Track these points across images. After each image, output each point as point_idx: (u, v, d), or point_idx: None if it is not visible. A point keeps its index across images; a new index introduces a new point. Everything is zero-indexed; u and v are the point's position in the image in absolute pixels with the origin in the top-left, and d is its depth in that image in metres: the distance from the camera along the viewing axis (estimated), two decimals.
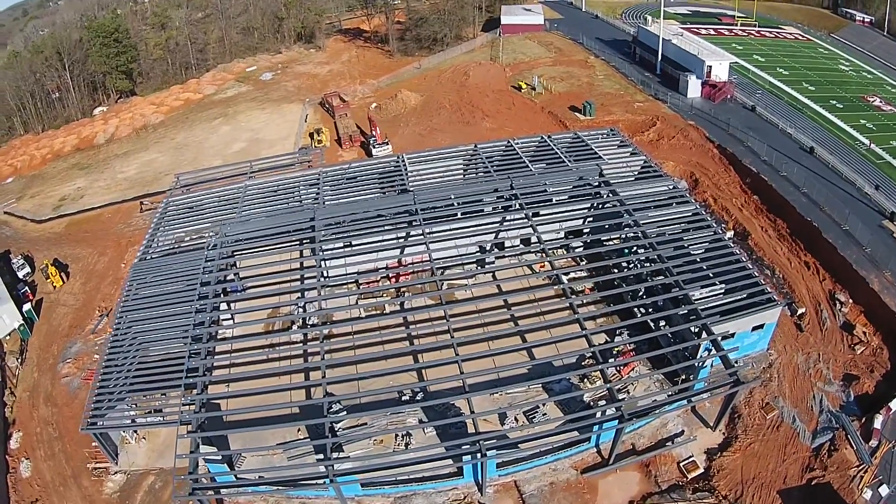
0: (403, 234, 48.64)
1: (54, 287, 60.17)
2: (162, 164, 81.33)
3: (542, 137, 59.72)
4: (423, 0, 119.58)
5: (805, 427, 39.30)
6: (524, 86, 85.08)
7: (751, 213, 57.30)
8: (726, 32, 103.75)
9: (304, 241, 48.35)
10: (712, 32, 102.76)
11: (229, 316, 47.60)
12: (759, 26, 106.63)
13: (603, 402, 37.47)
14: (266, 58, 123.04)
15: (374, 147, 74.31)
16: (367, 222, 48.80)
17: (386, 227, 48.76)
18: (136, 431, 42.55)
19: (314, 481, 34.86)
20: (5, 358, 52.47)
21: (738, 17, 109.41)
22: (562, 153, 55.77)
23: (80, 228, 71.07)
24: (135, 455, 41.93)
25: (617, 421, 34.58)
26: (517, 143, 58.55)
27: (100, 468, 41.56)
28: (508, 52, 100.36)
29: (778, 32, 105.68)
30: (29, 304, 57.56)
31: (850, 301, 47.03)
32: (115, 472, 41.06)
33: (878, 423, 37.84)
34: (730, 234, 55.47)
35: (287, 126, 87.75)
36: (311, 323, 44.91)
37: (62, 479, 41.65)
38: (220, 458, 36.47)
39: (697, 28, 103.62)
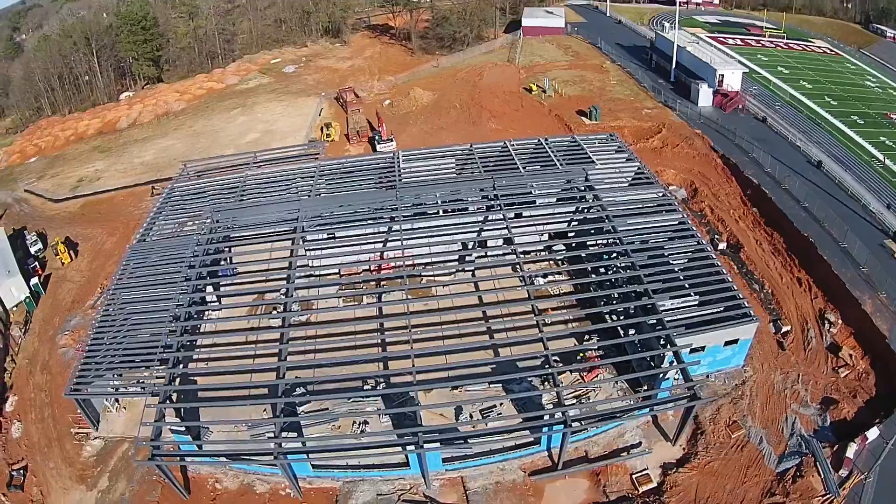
0: (383, 230, 49.29)
1: (63, 264, 62.59)
2: (177, 151, 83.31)
3: (539, 140, 59.62)
4: None
5: (772, 450, 38.13)
6: (535, 88, 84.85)
7: (747, 225, 56.20)
8: (753, 43, 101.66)
9: (289, 232, 49.36)
10: (739, 43, 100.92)
11: (213, 298, 49.20)
12: (787, 38, 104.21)
13: (551, 406, 37.42)
14: (291, 50, 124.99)
15: (378, 143, 75.12)
16: (349, 216, 49.65)
17: (367, 222, 49.48)
18: (117, 401, 44.72)
19: (263, 458, 35.99)
20: (10, 327, 54.89)
21: (766, 28, 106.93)
22: (555, 156, 55.60)
23: (94, 209, 73.58)
24: (114, 423, 44.03)
25: (563, 426, 34.40)
26: (513, 145, 58.60)
27: (81, 433, 43.78)
28: (526, 55, 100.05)
29: (806, 45, 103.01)
30: (37, 278, 60.06)
31: (840, 322, 45.60)
32: (95, 438, 43.25)
33: (850, 452, 36.22)
34: (722, 245, 54.65)
35: (301, 119, 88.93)
36: (286, 309, 45.85)
37: (47, 441, 43.89)
38: (183, 429, 38.06)
39: (725, 38, 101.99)
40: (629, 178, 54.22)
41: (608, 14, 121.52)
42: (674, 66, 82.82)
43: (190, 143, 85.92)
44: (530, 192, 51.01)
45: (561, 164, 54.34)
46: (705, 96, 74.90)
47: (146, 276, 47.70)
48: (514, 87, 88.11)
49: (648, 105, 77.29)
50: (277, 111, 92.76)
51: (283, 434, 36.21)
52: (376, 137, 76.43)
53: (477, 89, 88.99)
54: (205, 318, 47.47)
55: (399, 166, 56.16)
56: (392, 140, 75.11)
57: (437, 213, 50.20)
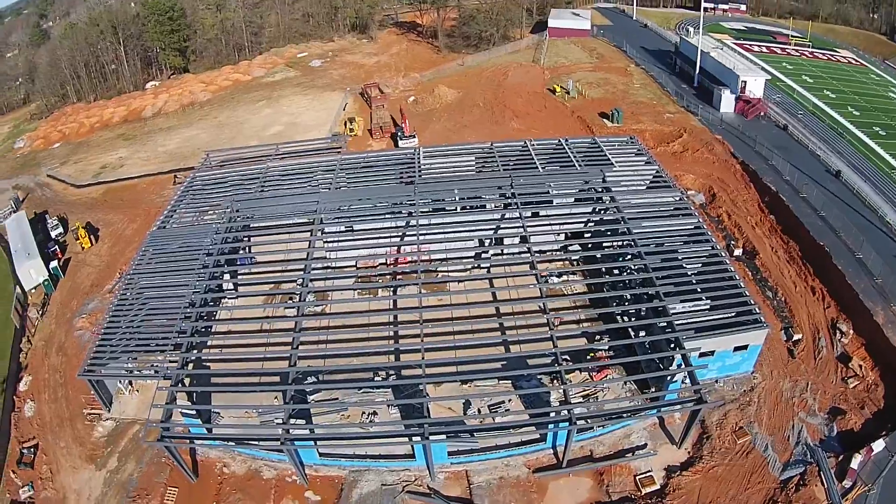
0: (401, 224, 49.86)
1: (83, 248, 63.92)
2: (201, 141, 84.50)
3: (559, 140, 59.74)
4: None
5: (777, 457, 37.95)
6: (559, 89, 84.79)
7: (764, 232, 55.78)
8: (778, 51, 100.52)
9: (307, 224, 50.17)
10: (764, 50, 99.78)
11: (230, 286, 49.98)
12: (812, 47, 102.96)
13: (558, 404, 37.63)
14: (318, 45, 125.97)
15: (400, 139, 75.66)
16: (367, 210, 50.26)
17: (385, 217, 50.02)
18: (130, 383, 45.60)
19: (270, 443, 36.64)
20: (28, 309, 56.23)
21: (791, 36, 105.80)
22: (574, 157, 55.75)
23: (116, 196, 75.07)
24: (126, 405, 44.95)
25: (567, 423, 34.63)
26: (533, 145, 58.80)
27: (93, 414, 44.75)
28: (551, 56, 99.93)
29: (831, 55, 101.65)
30: (56, 261, 61.25)
31: (852, 332, 45.13)
32: (107, 419, 44.16)
33: (855, 462, 35.92)
34: (738, 251, 54.43)
35: (325, 113, 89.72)
36: (301, 299, 46.55)
37: (59, 421, 44.94)
38: (194, 412, 38.89)
39: (750, 45, 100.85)
40: (647, 181, 54.20)
41: (634, 18, 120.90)
42: (697, 71, 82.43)
43: (214, 134, 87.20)
44: (547, 192, 51.23)
45: (579, 165, 54.48)
46: (727, 102, 74.43)
47: (164, 263, 48.63)
48: (537, 87, 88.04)
49: (671, 109, 76.92)
50: (302, 104, 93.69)
51: (291, 421, 36.82)
52: (399, 133, 76.97)
53: (501, 89, 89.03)
54: (220, 305, 48.25)
55: (419, 162, 56.68)
56: (414, 136, 75.54)
57: (455, 209, 50.61)
